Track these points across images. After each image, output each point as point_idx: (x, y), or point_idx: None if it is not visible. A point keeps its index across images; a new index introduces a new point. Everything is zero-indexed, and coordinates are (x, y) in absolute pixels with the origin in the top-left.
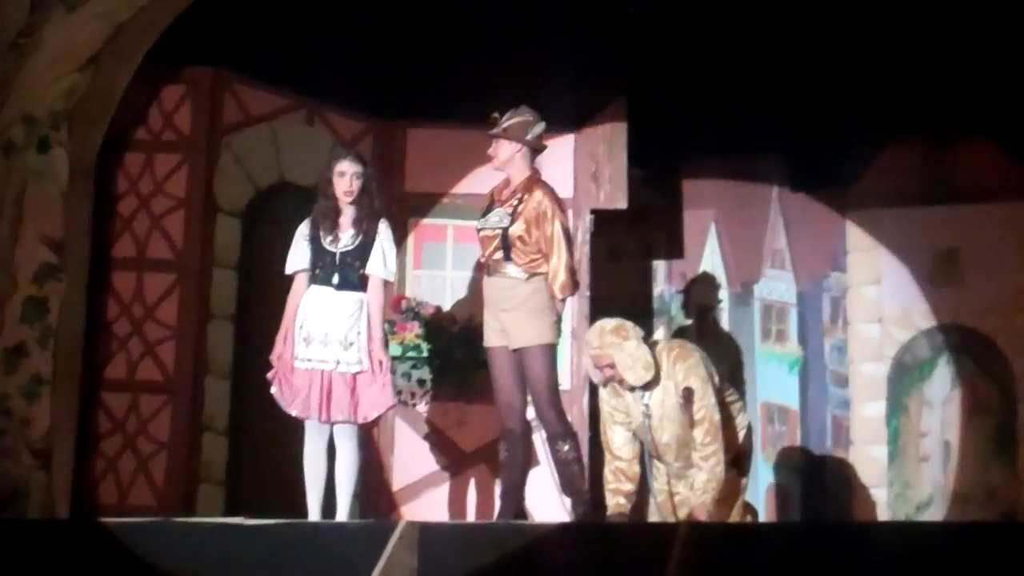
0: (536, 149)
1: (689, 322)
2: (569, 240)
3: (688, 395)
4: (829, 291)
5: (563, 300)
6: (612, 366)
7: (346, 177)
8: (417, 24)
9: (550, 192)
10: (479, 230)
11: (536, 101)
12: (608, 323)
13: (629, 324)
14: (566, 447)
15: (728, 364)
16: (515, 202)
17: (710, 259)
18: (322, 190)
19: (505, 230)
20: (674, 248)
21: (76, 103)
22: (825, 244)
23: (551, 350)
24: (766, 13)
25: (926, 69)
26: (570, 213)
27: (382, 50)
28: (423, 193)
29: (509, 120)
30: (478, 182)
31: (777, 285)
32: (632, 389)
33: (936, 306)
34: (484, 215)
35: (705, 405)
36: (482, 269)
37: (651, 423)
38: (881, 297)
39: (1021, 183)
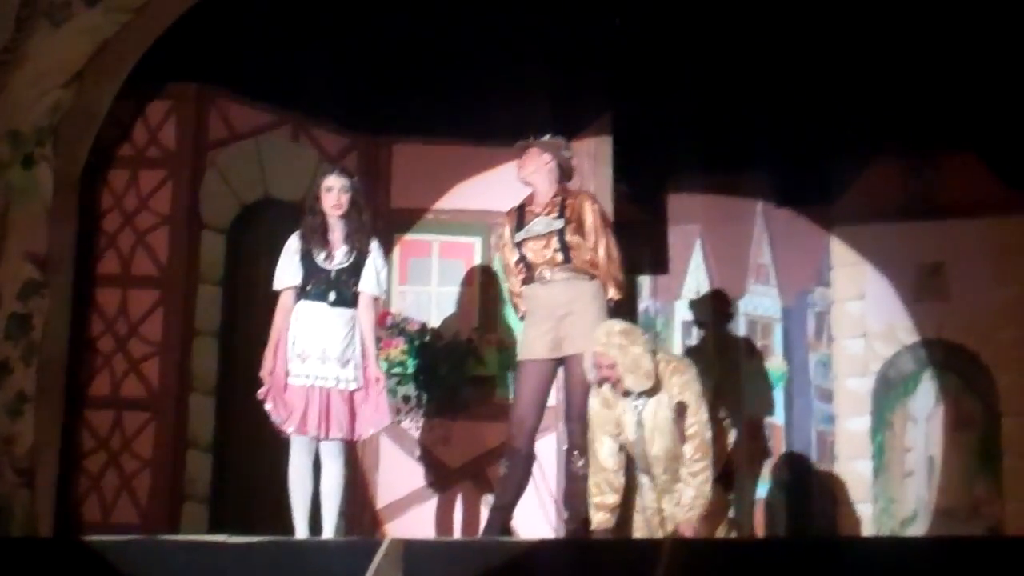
0: (565, 169)
1: (672, 337)
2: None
3: (681, 409)
4: (814, 306)
5: (612, 303)
6: (613, 367)
7: (333, 192)
8: (402, 39)
9: (594, 198)
10: (519, 242)
11: (521, 116)
12: (617, 324)
13: (639, 330)
14: (581, 462)
15: (713, 380)
16: (559, 208)
17: (695, 274)
18: (309, 207)
19: (561, 232)
20: (659, 264)
21: (61, 119)
22: (809, 259)
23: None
24: (751, 29)
25: (909, 85)
26: None
27: (367, 66)
28: (408, 209)
29: (544, 137)
30: (463, 198)
31: (762, 300)
32: (626, 394)
33: (920, 321)
34: (519, 228)
35: (698, 421)
36: (530, 279)
37: (643, 434)
38: (865, 312)
39: (1004, 198)
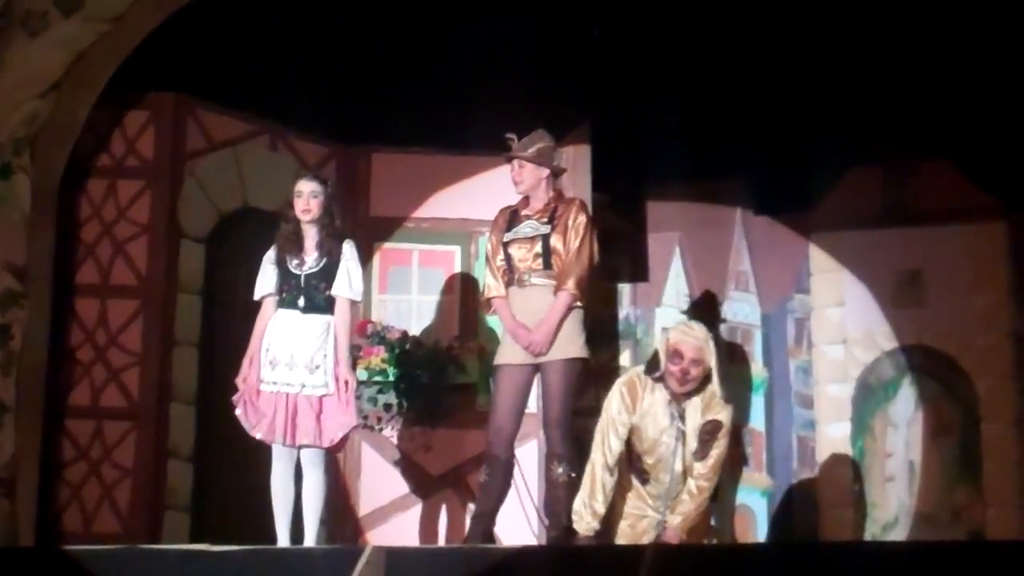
0: (558, 174)
1: (653, 344)
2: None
3: (713, 428)
4: (793, 313)
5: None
6: (698, 363)
7: (303, 197)
8: (380, 49)
9: (584, 206)
10: (506, 243)
11: (499, 125)
12: (704, 327)
13: None
14: (560, 469)
15: None
16: (549, 214)
17: (675, 282)
18: (283, 214)
19: (546, 237)
20: (639, 271)
21: (38, 129)
22: (789, 266)
23: (580, 366)
24: (728, 38)
25: (887, 92)
26: None
27: (345, 75)
28: (388, 217)
29: (535, 144)
30: (443, 206)
31: (742, 307)
32: (684, 395)
33: (899, 327)
34: (508, 229)
35: (722, 444)
36: (511, 281)
37: (683, 438)
38: (845, 319)
39: (981, 204)
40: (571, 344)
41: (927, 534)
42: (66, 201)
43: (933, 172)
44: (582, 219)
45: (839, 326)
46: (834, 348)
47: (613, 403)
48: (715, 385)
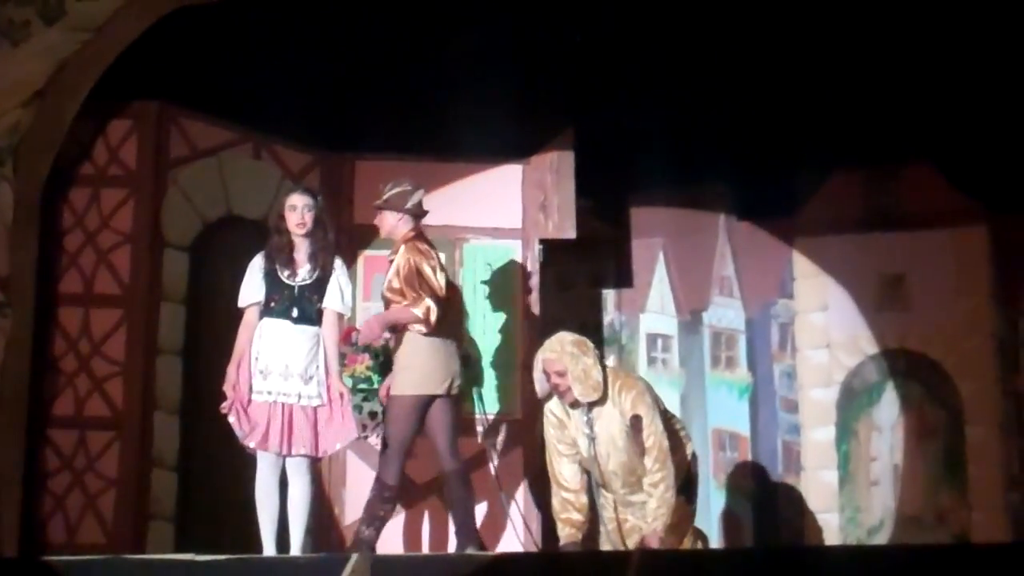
0: (417, 215)
1: (637, 349)
2: (433, 276)
3: (637, 423)
4: (777, 318)
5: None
6: (562, 375)
7: (297, 210)
8: (364, 56)
9: (412, 241)
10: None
11: (483, 131)
12: (569, 335)
13: (590, 343)
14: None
15: (678, 392)
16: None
17: (659, 287)
18: (275, 226)
19: (383, 290)
20: (623, 277)
21: (21, 138)
22: (772, 271)
23: (404, 401)
24: (711, 43)
25: (869, 97)
26: (519, 243)
27: (329, 83)
28: (372, 225)
29: (390, 191)
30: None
31: (726, 312)
32: (575, 404)
33: (883, 331)
34: None
35: (654, 432)
36: None
37: (597, 450)
38: (828, 323)
39: (963, 209)
40: (426, 379)
41: (912, 537)
42: (49, 210)
43: (915, 176)
44: (405, 260)
45: (823, 330)
46: (818, 353)
47: (547, 428)
48: (628, 379)
